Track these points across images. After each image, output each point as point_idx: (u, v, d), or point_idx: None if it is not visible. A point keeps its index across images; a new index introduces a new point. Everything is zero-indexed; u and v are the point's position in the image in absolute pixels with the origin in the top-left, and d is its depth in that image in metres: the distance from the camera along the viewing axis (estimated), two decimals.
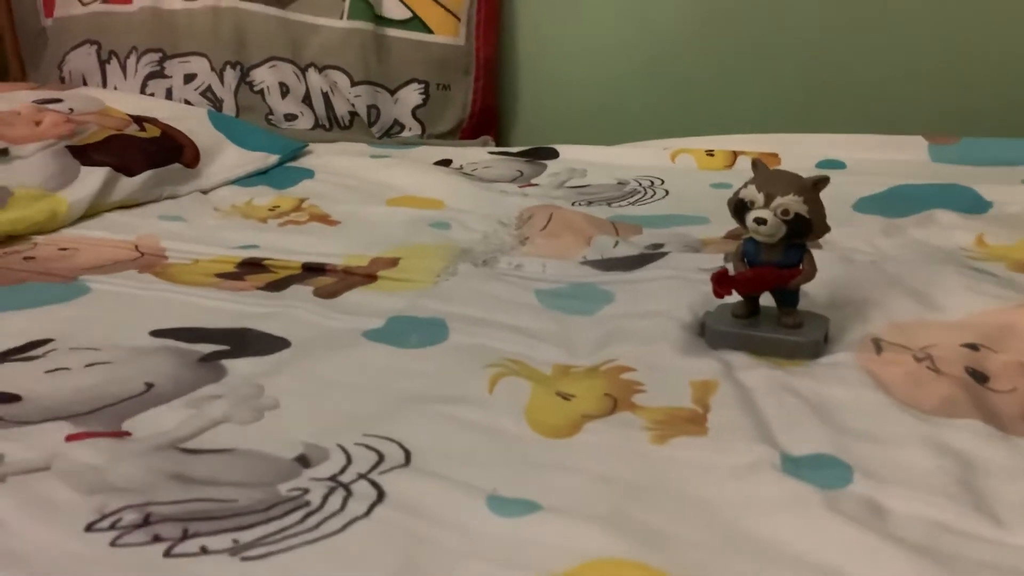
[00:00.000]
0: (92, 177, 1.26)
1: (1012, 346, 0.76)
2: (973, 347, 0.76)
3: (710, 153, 1.45)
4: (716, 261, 0.99)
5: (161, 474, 0.62)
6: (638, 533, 0.54)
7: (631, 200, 1.31)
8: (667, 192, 1.34)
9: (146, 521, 0.56)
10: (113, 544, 0.54)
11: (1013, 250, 0.99)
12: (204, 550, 0.54)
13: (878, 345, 0.79)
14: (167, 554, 0.53)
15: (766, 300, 0.82)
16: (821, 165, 1.35)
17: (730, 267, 0.82)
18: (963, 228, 1.06)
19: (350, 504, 0.59)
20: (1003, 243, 1.01)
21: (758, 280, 0.79)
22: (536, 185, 1.39)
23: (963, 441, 0.64)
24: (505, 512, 0.58)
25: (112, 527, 0.55)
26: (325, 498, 0.60)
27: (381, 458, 0.65)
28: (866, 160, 1.38)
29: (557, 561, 0.52)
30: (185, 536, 0.55)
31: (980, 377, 0.72)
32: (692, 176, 1.38)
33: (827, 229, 0.78)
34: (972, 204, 1.15)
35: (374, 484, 0.62)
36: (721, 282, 0.78)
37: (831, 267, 0.93)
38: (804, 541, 0.54)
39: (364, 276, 1.01)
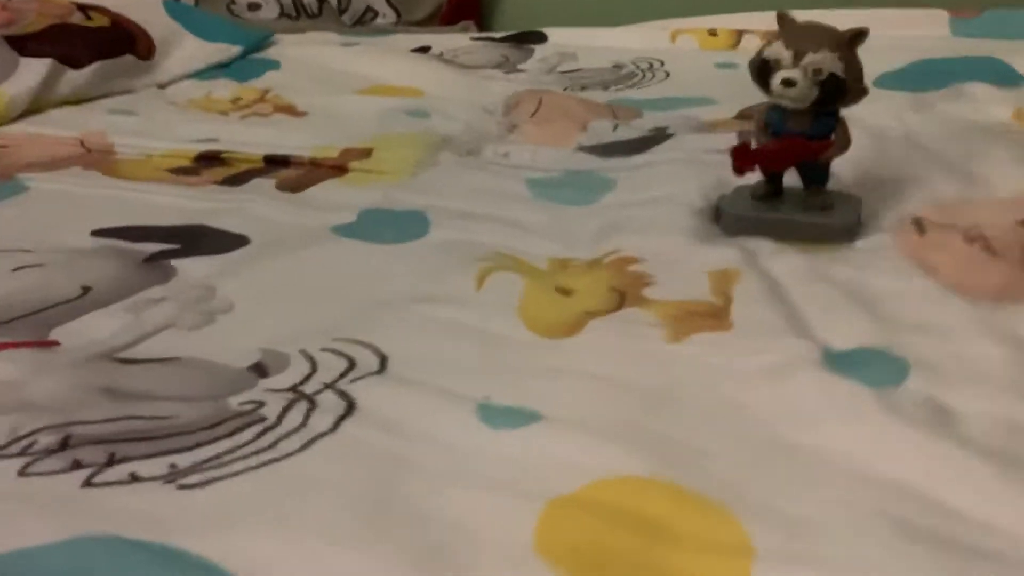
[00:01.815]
0: (32, 69, 1.15)
1: None
2: None
3: (713, 32, 1.33)
4: (729, 141, 0.87)
5: (89, 389, 0.52)
6: (657, 447, 0.45)
7: (629, 84, 1.20)
8: (668, 74, 1.22)
9: (64, 444, 0.46)
10: (22, 473, 0.45)
11: None
12: (134, 477, 0.44)
13: (920, 226, 0.69)
14: (87, 483, 0.44)
15: (790, 179, 0.72)
16: None
17: (752, 142, 0.71)
18: (999, 101, 0.96)
19: (313, 418, 0.50)
20: None
21: (785, 152, 0.68)
22: (523, 71, 1.27)
23: None
24: (499, 423, 0.49)
25: (23, 452, 0.46)
26: (284, 412, 0.51)
27: (352, 364, 0.56)
28: (883, 36, 1.25)
29: (563, 481, 0.43)
30: (111, 462, 0.45)
31: None
32: (694, 57, 1.27)
33: (865, 92, 0.68)
34: (1004, 76, 1.04)
35: (343, 394, 0.53)
36: (742, 156, 0.68)
37: (858, 143, 0.81)
38: (859, 449, 0.45)
39: (333, 168, 0.91)
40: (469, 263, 0.68)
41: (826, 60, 0.65)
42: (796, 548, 0.38)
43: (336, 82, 1.23)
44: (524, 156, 0.92)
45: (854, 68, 0.66)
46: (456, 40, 1.42)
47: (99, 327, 0.60)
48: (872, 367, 0.52)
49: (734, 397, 0.50)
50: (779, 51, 0.66)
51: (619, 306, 0.61)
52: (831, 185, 0.73)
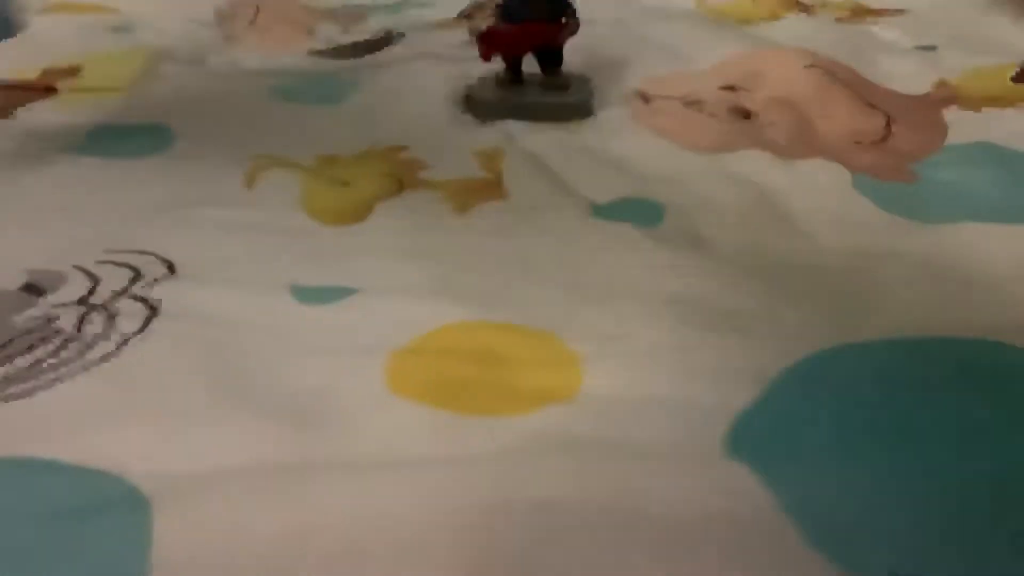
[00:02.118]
0: None
1: (763, 85, 0.78)
2: (731, 88, 0.78)
3: None
4: (460, 37, 0.92)
5: None
6: (478, 297, 0.49)
7: None
8: None
9: None
10: None
11: (732, 7, 1.02)
12: None
13: (645, 97, 0.78)
14: None
15: (528, 67, 0.77)
16: None
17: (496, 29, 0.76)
18: None
19: (119, 324, 0.48)
20: (725, 2, 1.04)
21: (528, 35, 0.73)
22: None
23: (749, 170, 0.65)
24: (318, 300, 0.50)
25: None
26: (80, 323, 0.48)
27: (137, 274, 0.54)
28: None
29: (399, 335, 0.46)
30: None
31: (744, 114, 0.74)
32: None
33: None
34: None
35: (140, 299, 0.51)
36: (488, 41, 0.72)
37: (584, 30, 0.90)
38: (642, 276, 0.52)
39: (36, 91, 0.82)
40: (230, 166, 0.67)
41: None
42: (618, 349, 0.44)
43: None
44: (253, 63, 0.90)
45: None
46: None
47: None
48: (634, 212, 0.59)
49: (529, 249, 0.55)
50: None
51: (400, 190, 0.64)
52: (564, 68, 0.80)
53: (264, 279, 0.52)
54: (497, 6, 0.75)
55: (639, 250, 0.54)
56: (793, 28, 0.93)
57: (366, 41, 0.96)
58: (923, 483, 0.36)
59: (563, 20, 0.74)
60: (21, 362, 0.45)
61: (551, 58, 0.77)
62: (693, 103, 0.76)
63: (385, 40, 0.96)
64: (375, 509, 0.35)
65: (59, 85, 0.84)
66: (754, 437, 0.38)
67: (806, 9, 1.00)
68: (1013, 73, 0.79)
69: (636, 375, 0.42)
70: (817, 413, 0.39)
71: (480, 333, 0.46)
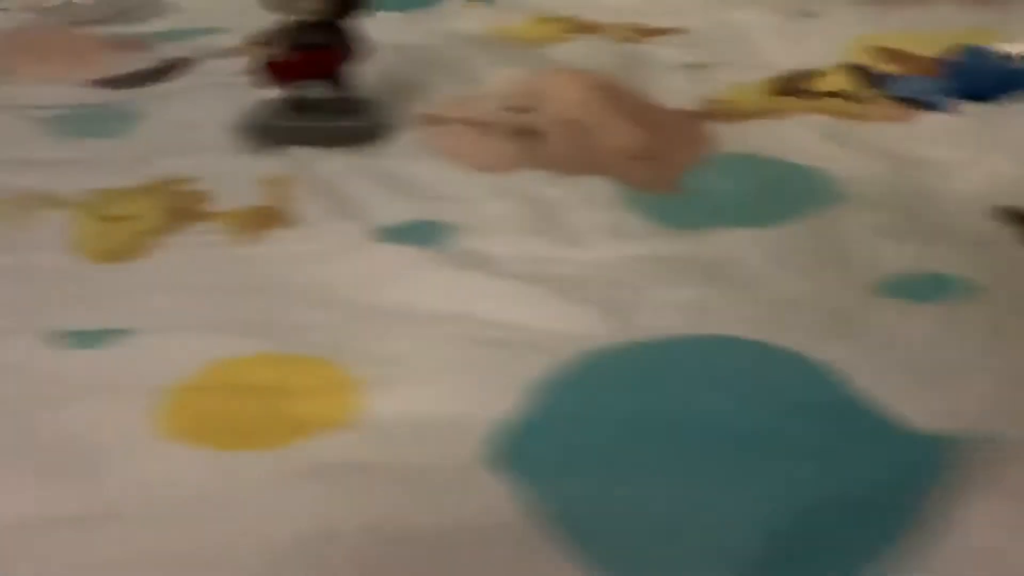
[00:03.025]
0: None
1: (547, 106, 0.81)
2: (516, 109, 0.80)
3: None
4: (251, 65, 0.91)
5: None
6: (257, 329, 0.49)
7: (131, 17, 1.14)
8: (175, 6, 1.19)
9: None
10: None
11: (521, 30, 1.06)
12: None
13: (435, 120, 0.79)
14: None
15: (317, 92, 0.78)
16: None
17: (278, 58, 0.75)
18: (473, 16, 1.10)
19: None
20: (511, 24, 1.07)
21: (309, 63, 0.74)
22: (5, 10, 1.14)
23: (528, 187, 0.68)
24: (89, 344, 0.48)
25: None
26: None
27: None
28: None
29: (171, 373, 0.45)
30: None
31: (526, 133, 0.77)
32: None
33: (369, 4, 0.75)
34: None
35: None
36: (272, 71, 0.72)
37: (373, 55, 0.91)
38: (424, 296, 0.53)
39: None
40: None
41: None
42: (394, 372, 0.45)
43: None
44: (29, 96, 0.86)
45: None
46: None
47: None
48: (419, 234, 0.61)
49: (309, 276, 0.55)
50: None
51: (181, 223, 0.62)
52: (353, 93, 0.81)
53: (28, 326, 0.50)
54: (280, 34, 0.75)
55: (421, 271, 0.55)
56: (578, 49, 0.98)
57: (152, 69, 0.93)
58: (685, 486, 0.38)
59: (346, 47, 0.75)
60: None
61: (338, 84, 0.77)
62: (480, 124, 0.78)
63: (172, 67, 0.93)
64: (141, 556, 0.35)
65: None
66: (514, 447, 0.40)
67: (591, 30, 1.05)
68: (769, 87, 0.86)
69: (412, 397, 0.43)
70: (577, 418, 0.41)
71: (258, 366, 0.46)
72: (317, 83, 0.76)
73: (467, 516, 0.36)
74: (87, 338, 0.49)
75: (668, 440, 0.40)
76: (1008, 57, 0.76)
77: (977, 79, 0.77)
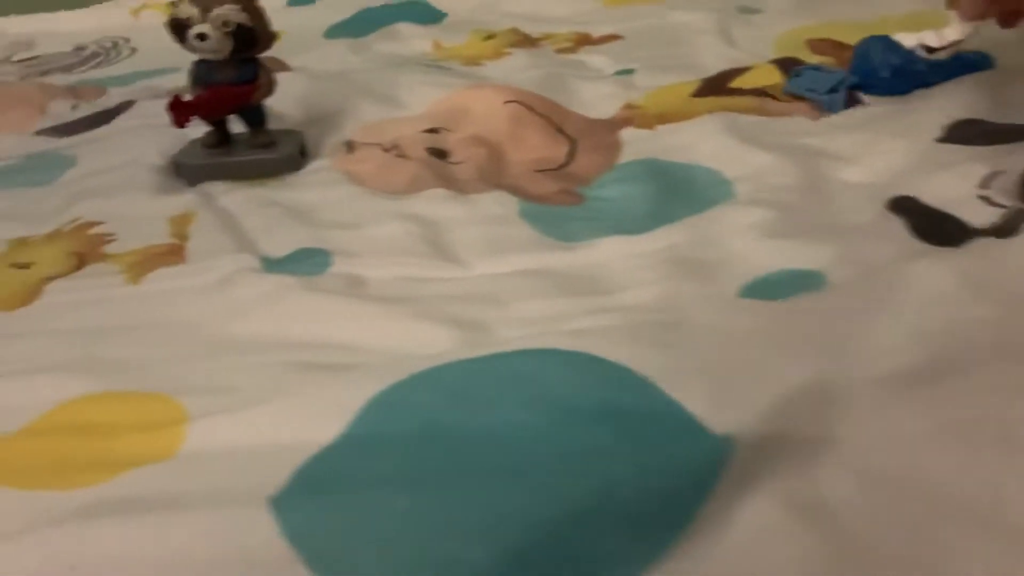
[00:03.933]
0: None
1: (465, 124, 0.82)
2: (433, 131, 0.81)
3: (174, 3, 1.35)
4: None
5: None
6: (106, 368, 0.50)
7: (93, 64, 1.19)
8: (134, 50, 1.23)
9: None
10: None
11: (464, 48, 1.06)
12: None
13: (351, 146, 0.80)
14: None
15: (236, 127, 0.79)
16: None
17: (186, 96, 0.77)
18: (421, 36, 1.12)
19: None
20: (456, 44, 1.08)
21: (216, 100, 0.75)
22: None
23: (428, 208, 0.68)
24: None
25: None
26: None
27: None
28: None
29: (12, 421, 0.46)
30: None
31: (440, 154, 0.77)
32: (157, 31, 1.27)
33: (274, 37, 0.76)
34: (428, 15, 1.22)
35: None
36: (179, 109, 0.74)
37: (300, 86, 0.92)
38: (289, 325, 0.54)
39: None
40: None
41: (231, 12, 0.72)
42: (222, 403, 0.45)
43: None
44: None
45: (258, 16, 0.74)
46: None
47: None
48: (303, 263, 0.61)
49: (183, 313, 0.56)
50: (188, 9, 0.72)
51: (79, 267, 0.64)
52: (279, 124, 0.82)
53: None
54: (189, 73, 0.77)
55: (286, 300, 0.56)
56: (512, 64, 0.98)
57: (94, 115, 0.96)
58: (428, 499, 0.37)
59: (255, 81, 0.76)
60: None
61: (253, 117, 0.78)
62: (394, 148, 0.79)
63: (115, 111, 0.96)
64: None
65: None
66: (315, 476, 0.40)
67: (533, 44, 1.06)
68: (694, 88, 0.85)
69: (233, 427, 0.44)
70: (378, 439, 0.41)
71: (97, 405, 0.47)
72: (227, 119, 0.77)
73: (235, 548, 0.36)
74: None
75: (450, 454, 0.39)
76: (911, 50, 0.74)
77: (875, 72, 0.75)
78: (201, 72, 0.75)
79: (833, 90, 0.75)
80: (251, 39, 0.74)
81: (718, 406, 0.40)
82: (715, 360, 0.43)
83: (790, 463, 0.37)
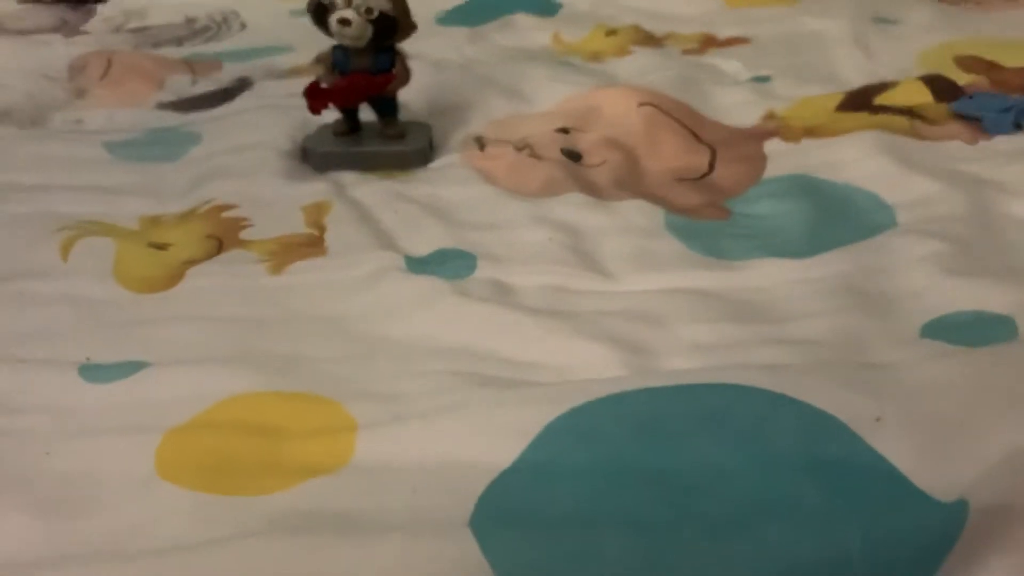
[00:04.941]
0: None
1: (597, 125, 0.79)
2: (564, 131, 0.79)
3: None
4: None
5: None
6: (267, 364, 0.49)
7: (205, 37, 1.18)
8: (244, 25, 1.22)
9: None
10: None
11: (586, 43, 1.04)
12: None
13: (481, 143, 0.78)
14: None
15: (366, 115, 0.78)
16: None
17: (322, 83, 0.76)
18: (539, 28, 1.09)
19: None
20: (576, 38, 1.05)
21: (353, 88, 0.74)
22: (87, 32, 1.19)
23: (568, 213, 0.66)
24: (104, 378, 0.49)
25: None
26: None
27: None
28: None
29: (179, 412, 0.45)
30: None
31: (574, 156, 0.75)
32: (269, 5, 1.27)
33: (414, 27, 0.75)
34: (544, 6, 1.19)
35: None
36: (315, 96, 0.73)
37: (424, 76, 0.90)
38: (441, 330, 0.52)
39: None
40: (50, 235, 0.65)
41: (375, 0, 0.71)
42: (390, 411, 0.44)
43: None
44: (99, 120, 0.89)
45: (401, 5, 0.73)
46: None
47: None
48: (447, 265, 0.60)
49: (333, 309, 0.55)
50: None
51: (218, 251, 0.63)
52: (405, 115, 0.80)
53: (53, 357, 0.51)
54: (324, 58, 0.75)
55: (443, 305, 0.54)
56: (638, 63, 0.95)
57: (214, 92, 0.95)
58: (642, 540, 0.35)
59: (392, 71, 0.75)
60: None
61: (385, 107, 0.77)
62: (526, 147, 0.76)
63: (235, 89, 0.95)
64: None
65: None
66: (501, 501, 0.38)
67: (656, 42, 1.03)
68: (837, 102, 0.82)
69: (406, 441, 0.42)
70: (566, 470, 0.39)
71: (264, 404, 0.46)
72: (359, 107, 0.76)
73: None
74: (106, 371, 0.50)
75: (643, 493, 0.37)
76: None
77: None
78: (338, 59, 0.74)
79: (1004, 116, 0.71)
80: (392, 28, 0.73)
81: (935, 466, 0.37)
82: (921, 412, 0.41)
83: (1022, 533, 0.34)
